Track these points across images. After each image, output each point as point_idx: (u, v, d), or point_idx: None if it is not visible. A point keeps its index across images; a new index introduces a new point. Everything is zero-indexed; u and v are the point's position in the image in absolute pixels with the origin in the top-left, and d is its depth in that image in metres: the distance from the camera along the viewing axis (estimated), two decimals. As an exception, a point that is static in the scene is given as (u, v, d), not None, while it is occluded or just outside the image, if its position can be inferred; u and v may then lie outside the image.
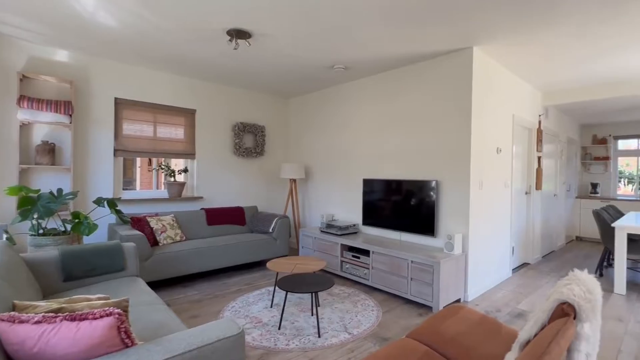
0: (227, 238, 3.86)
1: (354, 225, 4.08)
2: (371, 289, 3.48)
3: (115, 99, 3.67)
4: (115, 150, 3.67)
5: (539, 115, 4.81)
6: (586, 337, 1.42)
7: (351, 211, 4.32)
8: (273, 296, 2.99)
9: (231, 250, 3.72)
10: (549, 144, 5.25)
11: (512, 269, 4.21)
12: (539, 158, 4.74)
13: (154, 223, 3.42)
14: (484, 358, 1.68)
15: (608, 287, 3.70)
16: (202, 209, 4.12)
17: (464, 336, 1.84)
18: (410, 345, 1.74)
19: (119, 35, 2.97)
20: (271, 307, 2.95)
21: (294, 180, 4.84)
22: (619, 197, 6.32)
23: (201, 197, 4.28)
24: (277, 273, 3.09)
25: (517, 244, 4.35)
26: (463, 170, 3.24)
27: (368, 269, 3.46)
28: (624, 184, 6.86)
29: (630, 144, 6.64)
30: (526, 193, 4.60)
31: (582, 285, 1.55)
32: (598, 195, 6.53)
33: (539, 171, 4.72)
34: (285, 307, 2.93)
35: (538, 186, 4.71)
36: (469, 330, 1.90)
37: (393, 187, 3.72)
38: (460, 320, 2.01)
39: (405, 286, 3.14)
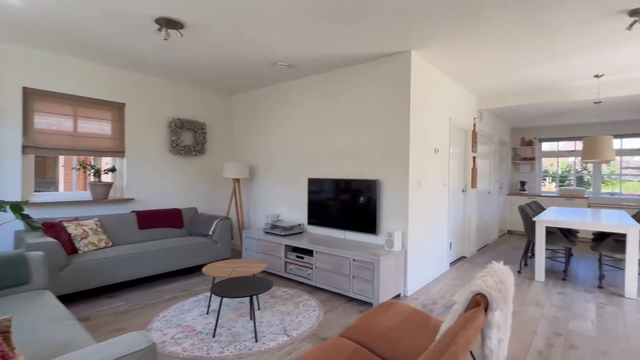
0: (161, 242, 3.63)
1: (299, 225, 4.08)
2: (314, 289, 3.49)
3: (24, 88, 3.26)
4: (24, 147, 3.26)
5: (474, 118, 5.20)
6: (497, 324, 1.55)
7: (297, 211, 4.31)
8: (209, 302, 2.86)
9: (166, 255, 3.50)
10: (483, 145, 5.71)
11: (450, 263, 4.50)
12: (474, 158, 5.13)
13: (72, 229, 3.10)
14: (411, 350, 1.76)
15: (530, 276, 4.12)
16: (132, 211, 3.83)
17: (394, 331, 1.91)
18: (341, 344, 1.76)
19: (24, 17, 2.64)
20: (207, 314, 2.82)
21: (238, 180, 4.71)
22: (543, 194, 7.08)
23: (132, 199, 3.97)
24: (214, 278, 2.97)
25: (454, 239, 4.66)
26: (403, 170, 3.38)
27: (312, 269, 3.47)
28: (549, 182, 7.71)
29: (554, 146, 7.47)
30: (463, 191, 4.96)
31: (496, 276, 1.68)
32: (526, 192, 7.25)
33: (474, 170, 5.10)
34: (221, 312, 2.82)
35: (473, 184, 5.09)
36: (400, 325, 1.97)
37: (337, 187, 3.78)
38: (392, 315, 2.09)
39: (347, 284, 3.20)
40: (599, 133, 6.81)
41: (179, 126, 4.36)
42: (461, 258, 4.91)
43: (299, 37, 2.98)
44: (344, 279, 3.22)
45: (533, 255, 5.06)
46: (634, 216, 4.57)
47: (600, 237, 4.19)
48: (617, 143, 6.69)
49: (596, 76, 4.09)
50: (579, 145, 7.13)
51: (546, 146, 7.53)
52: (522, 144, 7.57)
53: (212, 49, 3.28)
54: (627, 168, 6.82)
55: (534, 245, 4.84)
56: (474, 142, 5.12)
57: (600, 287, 3.76)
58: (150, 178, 4.20)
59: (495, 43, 3.13)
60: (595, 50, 3.28)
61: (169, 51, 3.35)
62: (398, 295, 3.34)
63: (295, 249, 3.76)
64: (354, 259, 3.15)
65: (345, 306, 3.09)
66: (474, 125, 5.14)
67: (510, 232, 7.19)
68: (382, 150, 3.52)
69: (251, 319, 2.72)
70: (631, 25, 2.59)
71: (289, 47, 3.21)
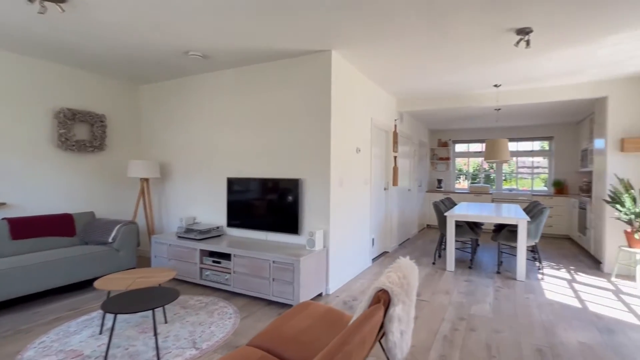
0: (44, 254, 3.10)
1: (218, 227, 3.86)
2: (232, 295, 3.33)
3: None
4: None
5: (395, 120, 5.52)
6: (398, 317, 1.60)
7: (215, 213, 4.07)
8: (103, 320, 2.52)
9: (49, 269, 3.00)
10: (404, 146, 6.11)
11: (372, 259, 4.70)
12: (395, 158, 5.45)
13: None
14: (320, 351, 1.74)
15: (443, 266, 4.50)
16: (4, 219, 3.20)
17: (305, 333, 1.88)
18: (246, 353, 1.67)
19: None
20: (100, 334, 2.48)
21: (146, 180, 4.28)
22: (456, 191, 7.87)
23: (3, 204, 3.33)
24: (109, 292, 2.63)
25: (377, 235, 4.89)
26: (324, 169, 3.41)
27: (230, 273, 3.30)
28: (463, 180, 8.60)
29: (465, 147, 8.35)
30: (385, 189, 5.22)
31: (400, 271, 1.76)
32: (442, 189, 7.98)
33: (395, 169, 5.42)
34: (119, 330, 2.51)
35: (395, 183, 5.41)
36: (312, 326, 1.95)
37: (259, 186, 3.66)
38: (305, 317, 2.06)
39: (267, 287, 3.11)
40: (500, 136, 7.81)
41: (69, 117, 3.78)
42: (384, 253, 5.17)
43: (213, 26, 2.79)
44: (263, 282, 3.12)
45: (446, 247, 5.56)
46: (524, 209, 5.32)
47: (499, 229, 4.78)
48: (514, 145, 7.74)
49: (495, 86, 4.65)
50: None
51: (459, 147, 8.39)
52: (439, 144, 8.31)
53: (107, 31, 2.90)
54: (522, 167, 7.94)
55: (446, 238, 5.31)
56: (395, 143, 5.44)
57: (498, 272, 4.28)
58: (29, 178, 3.56)
59: (410, 51, 3.33)
60: (493, 62, 3.71)
61: (53, 29, 2.87)
62: (320, 295, 3.36)
63: (212, 254, 3.54)
64: (274, 261, 3.07)
65: (264, 310, 3.00)
66: (395, 126, 5.46)
67: (429, 227, 7.84)
68: (304, 149, 3.51)
69: (154, 335, 2.46)
70: (517, 42, 2.96)
71: (203, 36, 2.99)
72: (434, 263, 4.66)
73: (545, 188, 7.61)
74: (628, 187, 3.94)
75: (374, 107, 4.60)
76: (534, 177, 7.78)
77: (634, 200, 3.85)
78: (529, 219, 3.97)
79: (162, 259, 3.74)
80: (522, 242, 3.97)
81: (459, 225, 4.57)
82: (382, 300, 1.53)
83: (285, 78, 3.60)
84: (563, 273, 4.31)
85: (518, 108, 5.63)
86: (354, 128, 3.97)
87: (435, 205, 4.75)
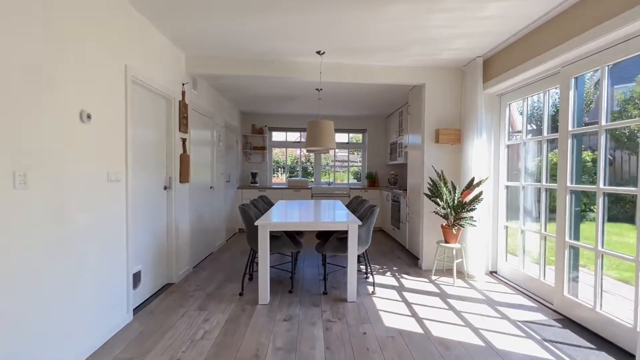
0: None
1: None
2: None
3: None
4: None
5: (183, 84, 3.81)
6: None
7: None
8: None
9: None
10: (203, 128, 4.48)
11: (134, 309, 2.86)
12: (184, 141, 3.76)
13: None
14: None
15: (254, 296, 3.21)
16: None
17: None
18: None
19: None
20: None
21: None
22: (273, 186, 6.88)
23: None
24: None
25: (147, 265, 3.08)
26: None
27: None
28: (281, 173, 7.75)
29: (283, 136, 7.51)
30: (165, 188, 3.45)
31: None
32: (257, 184, 6.83)
33: (184, 158, 3.73)
34: None
35: (184, 178, 3.72)
36: None
37: None
38: None
39: None
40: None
41: None
42: (165, 287, 3.41)
43: None
44: None
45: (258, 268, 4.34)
46: (347, 205, 4.72)
47: (326, 235, 3.89)
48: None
49: (318, 52, 3.70)
50: (304, 137, 7.46)
51: (276, 136, 7.48)
52: (253, 131, 7.13)
53: None
54: (338, 160, 7.82)
55: (256, 253, 4.08)
56: (184, 118, 3.74)
57: (325, 293, 3.35)
58: None
59: None
60: (316, 11, 2.62)
61: None
62: None
63: None
64: None
65: None
66: (183, 93, 3.76)
67: (241, 231, 6.53)
68: None
69: None
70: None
71: None
72: (241, 294, 3.30)
73: (355, 181, 7.71)
74: (444, 180, 3.74)
75: (134, 50, 2.76)
76: (348, 170, 7.77)
77: (450, 193, 3.66)
78: (359, 222, 3.15)
79: None
80: (353, 254, 3.13)
81: (275, 236, 3.37)
82: None
83: None
84: (389, 278, 3.82)
85: (339, 91, 5.04)
86: (74, 72, 2.06)
87: (243, 210, 3.36)
